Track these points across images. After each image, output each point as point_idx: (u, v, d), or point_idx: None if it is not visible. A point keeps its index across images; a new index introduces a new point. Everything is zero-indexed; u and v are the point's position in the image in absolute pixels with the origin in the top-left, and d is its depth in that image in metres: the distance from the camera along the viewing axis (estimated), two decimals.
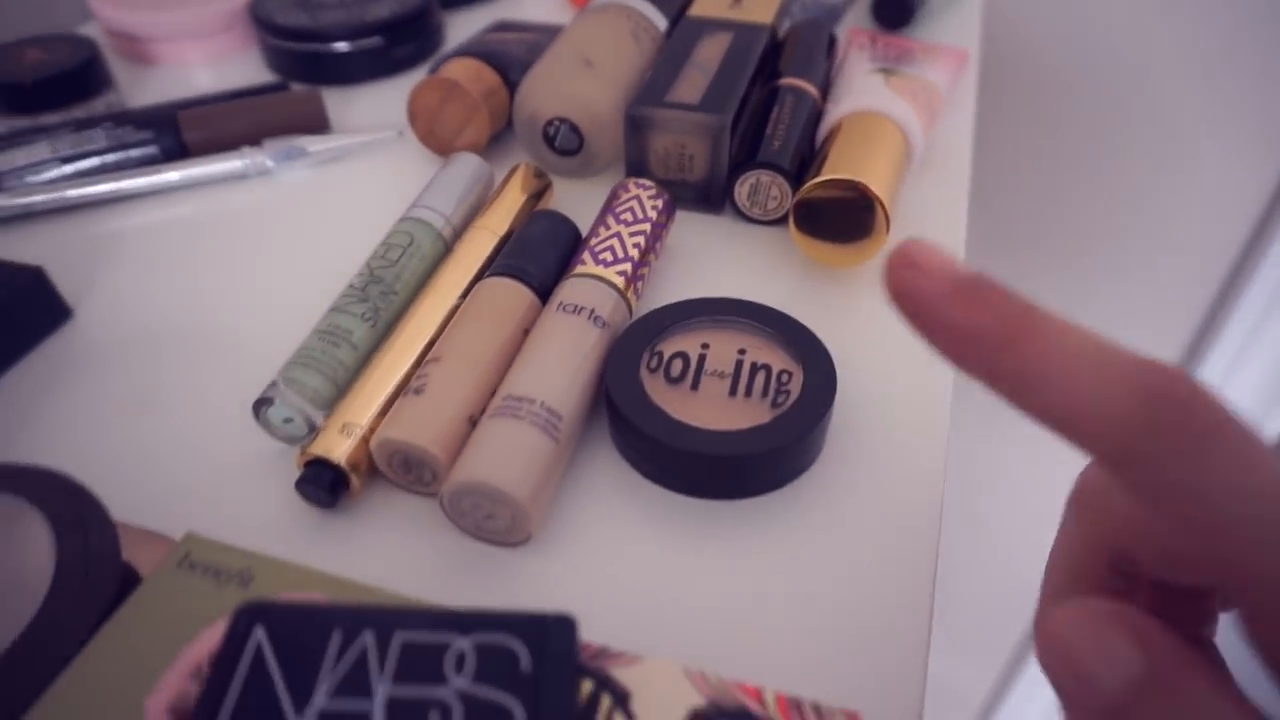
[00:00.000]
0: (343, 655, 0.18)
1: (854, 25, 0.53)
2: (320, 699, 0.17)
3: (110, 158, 0.40)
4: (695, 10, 0.44)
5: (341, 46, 0.47)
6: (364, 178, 0.42)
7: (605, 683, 0.19)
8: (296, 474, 0.28)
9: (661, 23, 0.43)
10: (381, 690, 0.17)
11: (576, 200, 0.39)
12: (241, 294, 0.35)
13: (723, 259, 0.37)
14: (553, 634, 0.18)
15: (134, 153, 0.40)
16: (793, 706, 0.19)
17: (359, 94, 0.48)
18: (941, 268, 0.15)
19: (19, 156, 0.39)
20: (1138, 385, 0.13)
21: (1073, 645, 0.14)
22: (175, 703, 0.19)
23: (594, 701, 0.19)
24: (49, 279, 0.33)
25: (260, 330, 0.34)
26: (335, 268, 0.36)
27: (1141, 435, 0.13)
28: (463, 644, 0.18)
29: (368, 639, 0.18)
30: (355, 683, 0.17)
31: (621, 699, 0.19)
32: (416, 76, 0.49)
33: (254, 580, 0.21)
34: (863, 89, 0.40)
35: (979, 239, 0.79)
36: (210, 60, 0.51)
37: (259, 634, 0.18)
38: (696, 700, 0.19)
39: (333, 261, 0.36)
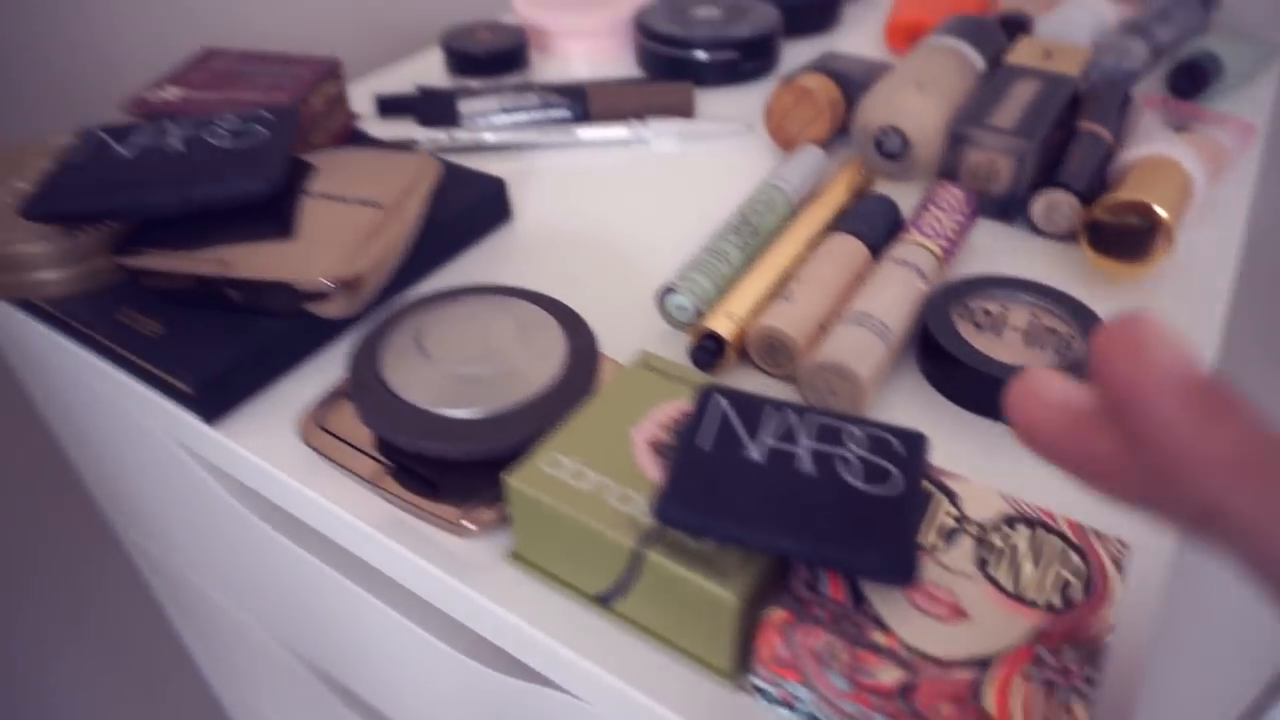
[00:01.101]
0: (776, 420, 0.27)
1: (1149, 92, 0.59)
2: (766, 437, 0.27)
3: (537, 115, 0.52)
4: (1012, 58, 0.52)
5: (702, 55, 0.59)
6: (716, 158, 0.52)
7: (940, 485, 0.28)
8: (683, 346, 0.38)
9: (980, 64, 0.52)
10: (805, 442, 0.26)
11: (893, 194, 0.48)
12: (626, 223, 0.47)
13: (1015, 261, 0.44)
14: (913, 437, 0.27)
15: (554, 113, 0.53)
16: (1077, 528, 0.27)
17: (708, 95, 0.59)
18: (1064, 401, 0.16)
19: (477, 106, 0.52)
20: None
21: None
22: (650, 438, 0.29)
23: (930, 496, 0.27)
24: (505, 188, 0.46)
25: (640, 248, 0.44)
26: (692, 218, 0.46)
27: None
28: (855, 430, 0.27)
29: (791, 416, 0.27)
30: (787, 434, 0.27)
31: (950, 495, 0.27)
32: (756, 87, 0.60)
33: (688, 384, 0.31)
34: (1154, 137, 0.46)
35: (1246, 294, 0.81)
36: (595, 55, 0.64)
37: (720, 400, 0.28)
38: (1004, 507, 0.27)
39: (690, 214, 0.47)
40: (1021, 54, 0.53)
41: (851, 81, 0.52)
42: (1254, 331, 0.82)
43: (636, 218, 0.47)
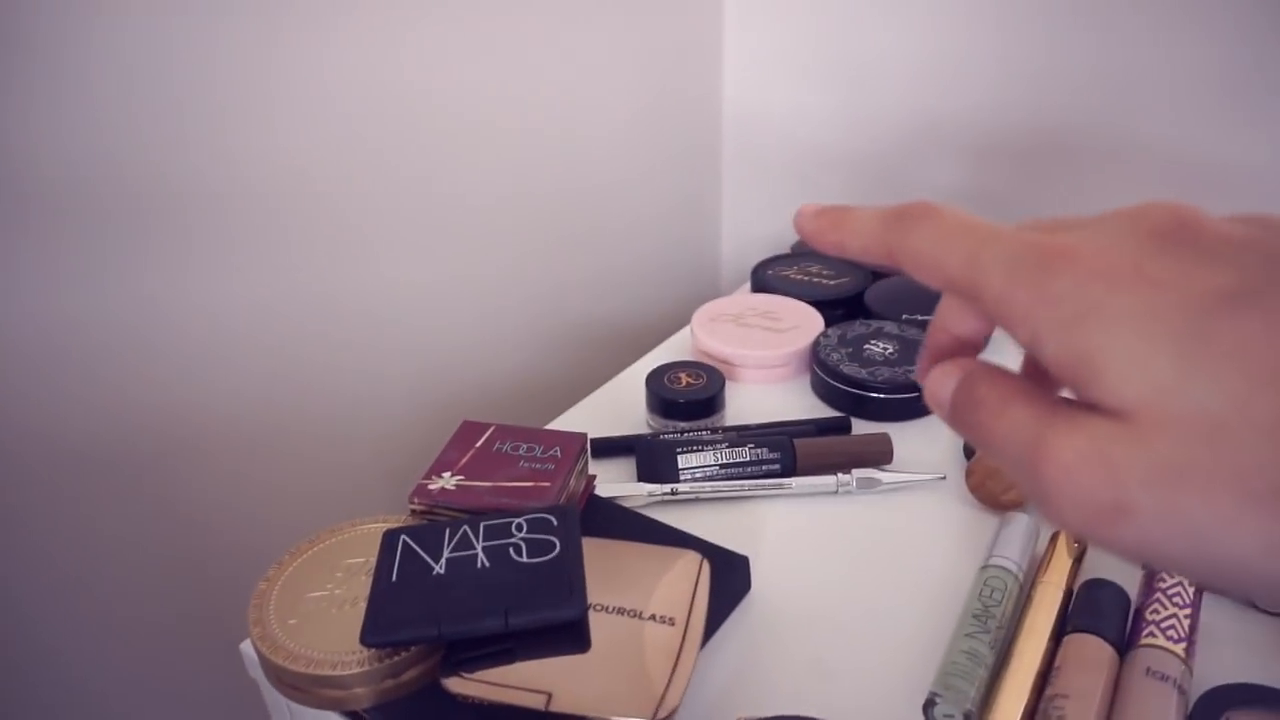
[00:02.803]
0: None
1: None
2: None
3: (749, 468, 0.57)
4: None
5: (881, 395, 0.63)
6: (915, 505, 0.56)
7: None
8: None
9: None
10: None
11: (1104, 558, 0.51)
12: (852, 585, 0.50)
13: (1235, 636, 0.46)
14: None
15: (765, 466, 0.57)
16: None
17: (885, 428, 0.64)
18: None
19: (695, 461, 0.57)
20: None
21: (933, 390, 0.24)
22: None
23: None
24: (749, 565, 0.49)
25: (875, 617, 0.47)
26: (910, 577, 0.50)
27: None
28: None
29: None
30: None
31: None
32: (929, 421, 0.64)
33: None
34: None
35: None
36: (773, 382, 0.69)
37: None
38: None
39: (907, 571, 0.50)
40: None
41: None
42: None
43: (860, 578, 0.50)
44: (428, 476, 0.50)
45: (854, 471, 0.57)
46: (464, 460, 0.51)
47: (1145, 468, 0.18)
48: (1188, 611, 0.44)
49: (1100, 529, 0.19)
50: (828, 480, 0.57)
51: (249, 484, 0.63)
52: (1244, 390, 0.17)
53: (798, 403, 0.67)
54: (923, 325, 0.71)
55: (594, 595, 0.43)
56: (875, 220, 0.23)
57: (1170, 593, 0.45)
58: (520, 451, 0.52)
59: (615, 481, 0.58)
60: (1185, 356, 0.18)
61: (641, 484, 0.56)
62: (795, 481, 0.57)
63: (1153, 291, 0.18)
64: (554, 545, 0.43)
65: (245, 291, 0.58)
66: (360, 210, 0.63)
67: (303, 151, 0.58)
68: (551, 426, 0.65)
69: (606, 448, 0.61)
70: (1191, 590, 0.45)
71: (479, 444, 0.53)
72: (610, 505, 0.54)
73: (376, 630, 0.40)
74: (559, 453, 0.51)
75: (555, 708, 0.38)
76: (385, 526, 0.47)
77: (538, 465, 0.50)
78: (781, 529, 0.55)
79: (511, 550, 0.43)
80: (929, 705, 0.41)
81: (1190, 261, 0.19)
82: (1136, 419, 0.18)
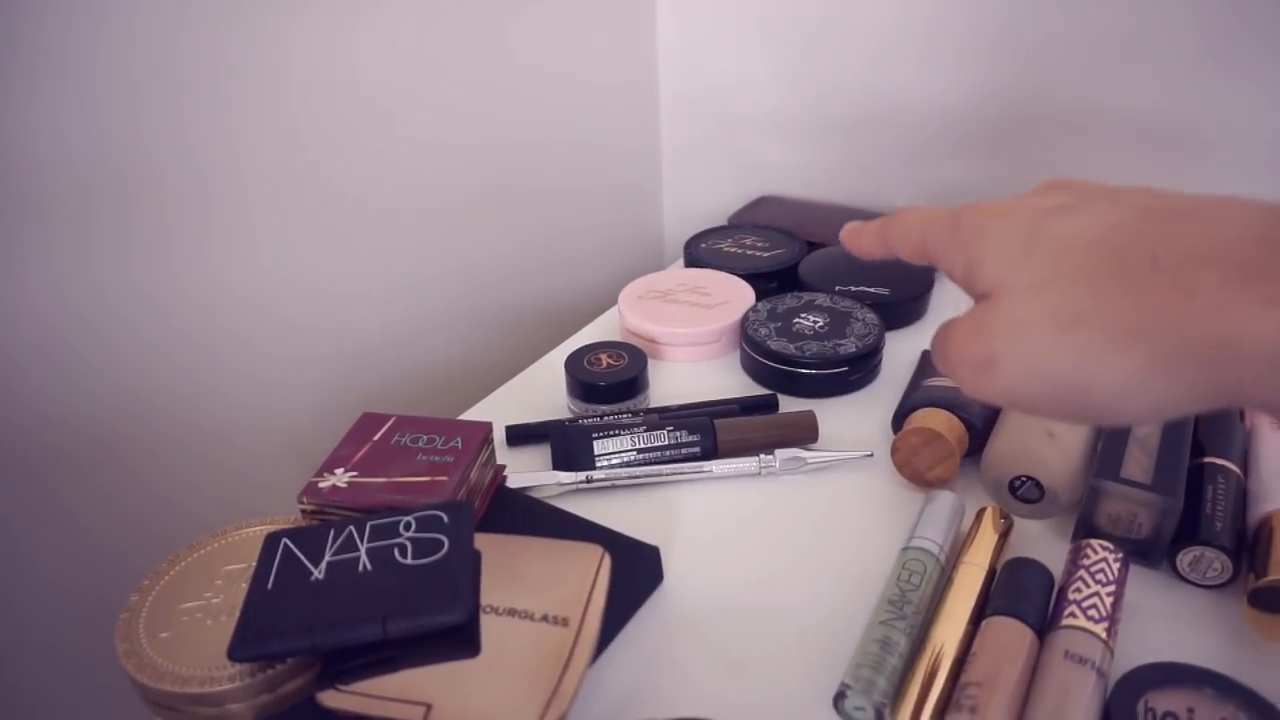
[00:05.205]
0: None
1: None
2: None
3: (668, 451, 0.55)
4: None
5: (810, 370, 0.61)
6: (840, 484, 0.54)
7: None
8: None
9: None
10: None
11: (1032, 534, 0.49)
12: (770, 572, 0.48)
13: (1162, 612, 0.44)
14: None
15: (684, 450, 0.55)
16: None
17: (815, 405, 0.61)
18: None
19: (611, 446, 0.54)
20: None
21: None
22: None
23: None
24: (660, 555, 0.47)
25: (792, 603, 0.45)
26: (833, 559, 0.48)
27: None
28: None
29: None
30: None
31: None
32: (860, 396, 0.62)
33: None
34: None
35: None
36: (700, 360, 0.67)
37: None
38: None
39: (829, 553, 0.48)
40: None
41: (969, 407, 0.54)
42: None
43: (779, 564, 0.48)
44: (319, 474, 0.47)
45: (777, 452, 0.55)
46: (359, 455, 0.48)
47: (1001, 326, 0.26)
48: (1111, 589, 0.43)
49: (980, 380, 0.27)
50: (750, 462, 0.54)
51: (152, 485, 0.59)
52: (1058, 259, 0.26)
53: (726, 381, 0.65)
54: (856, 296, 0.68)
55: (485, 596, 0.41)
56: (876, 227, 0.33)
57: (1094, 569, 0.43)
58: (420, 444, 0.49)
59: (529, 471, 0.55)
60: (1026, 247, 0.27)
61: (554, 473, 0.54)
62: (716, 465, 0.54)
63: (1016, 214, 0.28)
64: (442, 545, 0.40)
65: (140, 286, 0.55)
66: (270, 197, 0.60)
67: (200, 136, 0.54)
68: (469, 415, 0.63)
69: (523, 435, 0.58)
70: (1116, 565, 0.44)
71: (377, 437, 0.50)
72: (520, 497, 0.51)
73: (245, 644, 0.37)
74: (460, 444, 0.49)
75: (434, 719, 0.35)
76: (271, 529, 0.44)
77: (436, 458, 0.48)
78: (700, 515, 0.52)
79: (396, 551, 0.40)
80: (839, 698, 0.39)
81: (1050, 196, 0.28)
82: (996, 295, 0.27)
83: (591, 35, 0.83)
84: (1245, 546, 0.46)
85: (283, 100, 0.59)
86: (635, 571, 0.46)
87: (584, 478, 0.53)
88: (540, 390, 0.65)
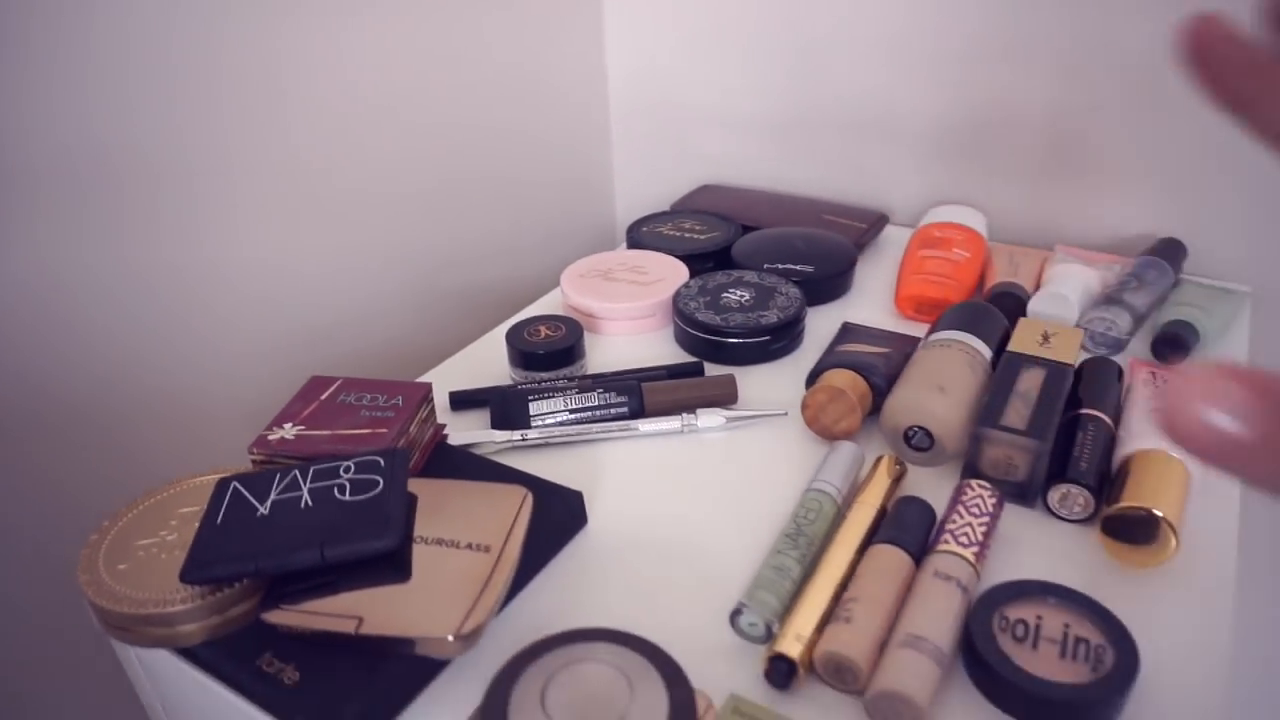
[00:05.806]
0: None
1: (1136, 356, 0.66)
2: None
3: (599, 412, 0.59)
4: (1013, 346, 0.59)
5: (736, 339, 0.66)
6: (759, 441, 0.59)
7: None
8: (755, 664, 0.43)
9: (987, 352, 0.59)
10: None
11: (923, 480, 0.54)
12: (688, 517, 0.52)
13: (1037, 550, 0.49)
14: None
15: (613, 410, 0.59)
16: None
17: (741, 372, 0.66)
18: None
19: (546, 407, 0.59)
20: None
21: None
22: None
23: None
24: (583, 500, 0.51)
25: (704, 543, 0.50)
26: (747, 505, 0.52)
27: None
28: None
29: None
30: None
31: None
32: (783, 364, 0.67)
33: None
34: (1150, 429, 0.52)
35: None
36: (636, 333, 0.72)
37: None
38: None
39: (744, 501, 0.53)
40: (1023, 338, 0.60)
41: (875, 371, 0.58)
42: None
43: (696, 509, 0.53)
44: (269, 428, 0.51)
45: (699, 411, 0.59)
46: (307, 411, 0.52)
47: None
48: (984, 520, 0.47)
49: None
50: (673, 421, 0.59)
51: (122, 447, 0.63)
52: None
53: (660, 351, 0.70)
54: (782, 274, 0.73)
55: (417, 529, 0.45)
56: None
57: (970, 504, 0.48)
58: (364, 402, 0.53)
59: (469, 430, 0.60)
60: None
61: (491, 431, 0.58)
62: (642, 424, 0.59)
63: None
64: (378, 484, 0.45)
65: (114, 262, 0.59)
66: (239, 183, 0.64)
67: (158, 118, 0.58)
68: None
69: (466, 400, 0.63)
70: (991, 501, 0.49)
71: (324, 396, 0.54)
72: (459, 453, 0.56)
73: (195, 568, 0.41)
74: (401, 402, 0.53)
75: (366, 630, 0.40)
76: (223, 476, 0.48)
77: (379, 414, 0.52)
78: (627, 468, 0.57)
79: (336, 490, 0.44)
80: (735, 615, 0.44)
81: None
82: None
83: (542, 33, 0.88)
84: (1107, 484, 0.51)
85: (249, 92, 0.63)
86: (561, 513, 0.50)
87: (519, 435, 0.58)
88: (486, 362, 0.69)
